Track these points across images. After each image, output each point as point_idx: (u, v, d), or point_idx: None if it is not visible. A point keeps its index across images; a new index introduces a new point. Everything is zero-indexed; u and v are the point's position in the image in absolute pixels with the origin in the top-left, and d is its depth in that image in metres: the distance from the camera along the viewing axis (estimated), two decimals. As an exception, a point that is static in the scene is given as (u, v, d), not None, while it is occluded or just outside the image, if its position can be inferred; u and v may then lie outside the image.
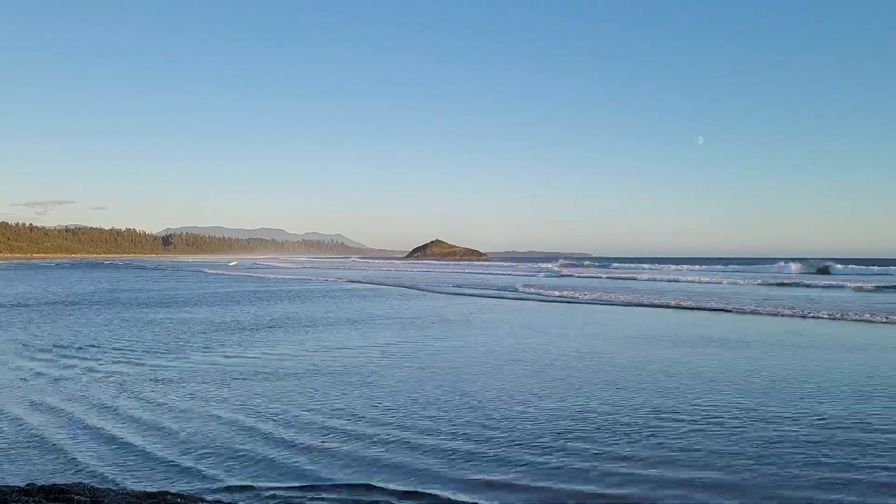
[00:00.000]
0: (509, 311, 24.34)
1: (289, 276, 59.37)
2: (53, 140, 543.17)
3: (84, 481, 5.78)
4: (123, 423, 8.00)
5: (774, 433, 7.45)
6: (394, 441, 7.23)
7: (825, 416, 8.18)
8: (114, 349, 13.99)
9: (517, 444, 7.09)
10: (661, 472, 6.24)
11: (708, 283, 45.40)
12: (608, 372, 11.38)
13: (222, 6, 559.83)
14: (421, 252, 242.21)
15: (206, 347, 14.27)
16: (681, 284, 43.80)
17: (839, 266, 63.91)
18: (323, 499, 5.61)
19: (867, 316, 20.92)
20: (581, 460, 6.58)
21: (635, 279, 51.27)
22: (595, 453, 6.79)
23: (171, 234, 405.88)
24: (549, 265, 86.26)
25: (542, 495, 5.73)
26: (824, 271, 58.92)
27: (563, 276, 59.89)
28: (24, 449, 6.93)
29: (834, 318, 20.65)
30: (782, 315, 21.70)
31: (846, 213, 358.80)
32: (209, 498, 5.50)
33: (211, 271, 76.64)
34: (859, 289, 35.22)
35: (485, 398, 9.30)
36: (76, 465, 6.39)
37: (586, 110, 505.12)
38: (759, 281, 45.73)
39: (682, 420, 8.06)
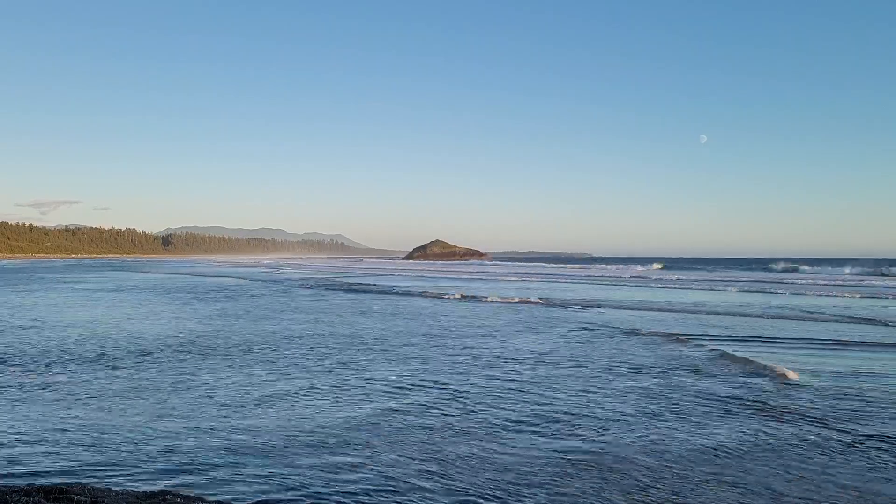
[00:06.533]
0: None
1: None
2: (56, 140, 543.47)
3: (84, 481, 5.73)
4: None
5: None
6: None
7: None
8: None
9: None
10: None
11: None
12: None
13: (222, 6, 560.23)
14: (421, 252, 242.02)
15: None
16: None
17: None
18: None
19: None
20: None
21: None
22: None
23: (171, 234, 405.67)
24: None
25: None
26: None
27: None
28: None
29: None
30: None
31: (847, 213, 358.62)
32: (210, 499, 5.45)
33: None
34: None
35: None
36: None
37: (587, 110, 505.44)
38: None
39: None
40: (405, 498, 5.51)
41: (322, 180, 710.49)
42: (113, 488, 5.53)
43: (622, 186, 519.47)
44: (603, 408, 8.53)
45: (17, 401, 8.81)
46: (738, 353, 12.64)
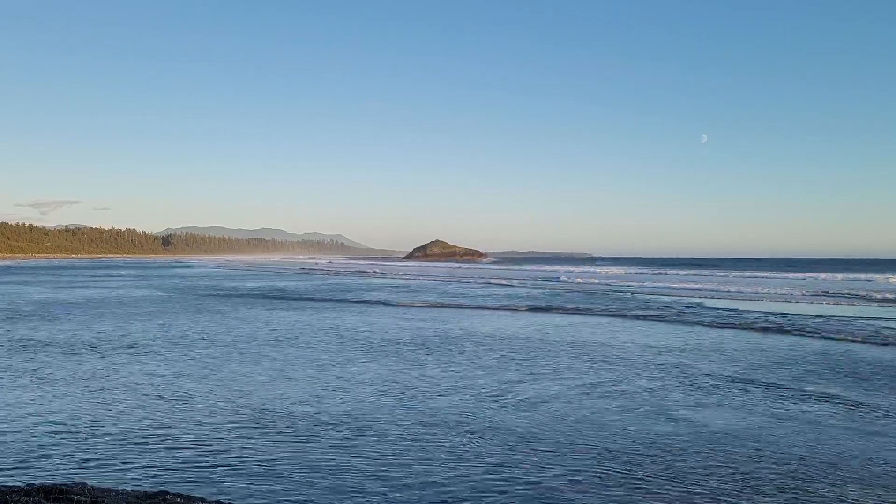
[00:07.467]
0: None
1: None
2: (56, 140, 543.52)
3: (84, 481, 5.73)
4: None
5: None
6: None
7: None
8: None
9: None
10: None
11: None
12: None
13: (222, 6, 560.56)
14: (421, 252, 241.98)
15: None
16: None
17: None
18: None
19: None
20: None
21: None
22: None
23: (171, 234, 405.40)
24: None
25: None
26: None
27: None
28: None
29: None
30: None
31: (847, 213, 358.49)
32: (210, 499, 5.45)
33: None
34: None
35: None
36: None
37: (587, 110, 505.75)
38: None
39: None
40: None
41: (322, 180, 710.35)
42: (113, 488, 5.53)
43: (622, 186, 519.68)
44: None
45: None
46: None
